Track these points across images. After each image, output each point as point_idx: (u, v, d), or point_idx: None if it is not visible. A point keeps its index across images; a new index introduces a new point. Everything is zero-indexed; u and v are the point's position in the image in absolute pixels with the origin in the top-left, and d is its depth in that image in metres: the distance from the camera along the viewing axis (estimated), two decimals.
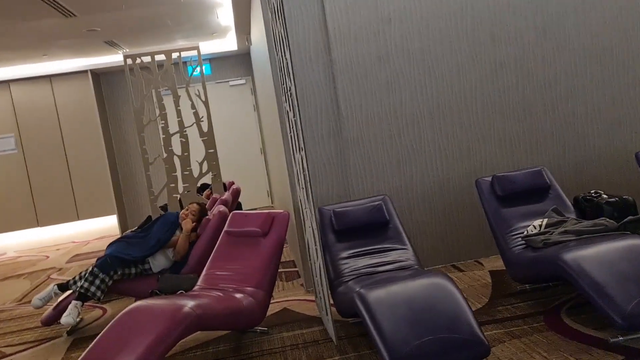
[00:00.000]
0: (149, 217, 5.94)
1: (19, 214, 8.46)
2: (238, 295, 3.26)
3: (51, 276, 6.22)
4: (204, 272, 3.64)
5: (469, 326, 2.46)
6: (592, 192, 3.68)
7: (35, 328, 4.24)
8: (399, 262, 3.34)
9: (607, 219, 3.21)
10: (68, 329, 3.99)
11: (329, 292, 3.14)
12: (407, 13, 4.22)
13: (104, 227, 8.96)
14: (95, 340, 2.81)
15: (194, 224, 4.27)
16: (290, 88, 2.97)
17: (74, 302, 3.84)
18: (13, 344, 4.02)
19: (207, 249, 4.11)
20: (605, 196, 3.56)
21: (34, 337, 4.09)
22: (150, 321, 2.84)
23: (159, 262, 4.17)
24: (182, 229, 4.28)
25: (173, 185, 5.69)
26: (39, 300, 3.96)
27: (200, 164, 5.80)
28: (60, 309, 3.98)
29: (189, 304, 2.91)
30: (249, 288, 3.37)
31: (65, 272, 6.30)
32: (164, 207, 5.89)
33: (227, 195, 5.36)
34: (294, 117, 3.02)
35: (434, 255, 4.27)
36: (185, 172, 5.71)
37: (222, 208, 4.34)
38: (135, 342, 2.74)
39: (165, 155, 5.74)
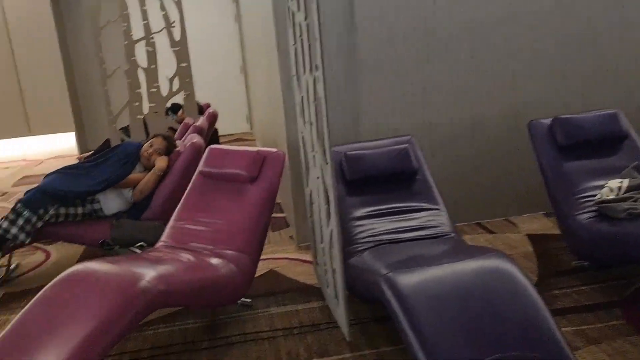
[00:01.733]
0: (107, 141, 4.98)
1: None
2: (214, 261, 2.45)
3: None
4: (170, 224, 2.80)
5: (553, 341, 1.71)
6: None
7: None
8: (429, 227, 2.54)
9: None
10: None
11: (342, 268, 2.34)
12: None
13: (61, 146, 7.92)
14: (15, 319, 2.01)
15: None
16: None
17: None
18: None
19: (175, 191, 3.24)
20: None
21: None
22: (91, 298, 2.03)
23: (111, 203, 3.28)
24: (142, 165, 3.38)
25: (137, 104, 4.71)
26: None
27: (171, 80, 4.80)
28: None
29: (147, 274, 2.09)
30: (229, 251, 2.54)
31: (10, 198, 5.37)
32: (126, 130, 4.93)
33: (202, 120, 4.41)
34: (306, 19, 2.07)
35: (457, 211, 3.48)
36: (152, 90, 4.72)
37: (197, 139, 3.43)
38: (71, 329, 1.94)
39: (127, 66, 4.71)
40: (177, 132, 4.61)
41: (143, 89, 4.78)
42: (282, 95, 3.21)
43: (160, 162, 3.33)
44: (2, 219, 3.09)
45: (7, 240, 3.01)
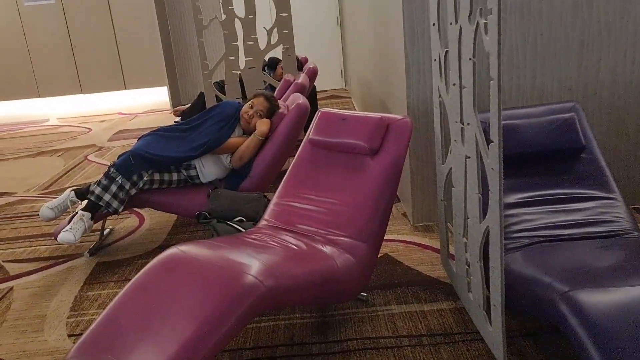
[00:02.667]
0: (201, 95, 4.68)
1: (61, 78, 7.41)
2: (328, 250, 2.04)
3: (89, 157, 5.23)
4: (274, 201, 2.42)
5: None
6: None
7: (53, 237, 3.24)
8: (601, 221, 1.98)
9: None
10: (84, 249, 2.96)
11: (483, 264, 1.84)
12: None
13: (153, 100, 7.85)
14: (106, 311, 1.73)
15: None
16: None
17: (80, 212, 2.75)
18: (21, 258, 3.05)
19: (277, 159, 2.87)
20: None
21: (48, 252, 3.10)
22: (192, 291, 1.71)
23: (208, 169, 2.97)
24: (242, 128, 3.02)
25: (232, 58, 4.35)
26: (50, 209, 2.90)
27: (269, 32, 4.39)
28: None
29: (254, 266, 1.74)
30: (344, 238, 2.13)
31: (105, 154, 5.29)
32: (220, 85, 4.61)
33: (302, 77, 3.97)
34: None
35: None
36: (249, 42, 4.34)
37: (302, 100, 3.00)
38: (171, 327, 1.64)
39: (224, 16, 4.33)
40: (276, 90, 4.22)
41: (240, 42, 4.41)
42: (404, 50, 2.69)
43: (262, 126, 2.94)
44: (95, 183, 2.87)
45: (99, 207, 2.78)
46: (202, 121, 3.05)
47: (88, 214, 2.74)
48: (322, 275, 1.93)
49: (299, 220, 2.27)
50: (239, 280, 1.67)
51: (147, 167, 2.79)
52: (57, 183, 4.45)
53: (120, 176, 2.74)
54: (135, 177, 2.77)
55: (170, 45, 7.52)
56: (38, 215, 3.52)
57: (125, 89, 7.49)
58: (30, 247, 3.21)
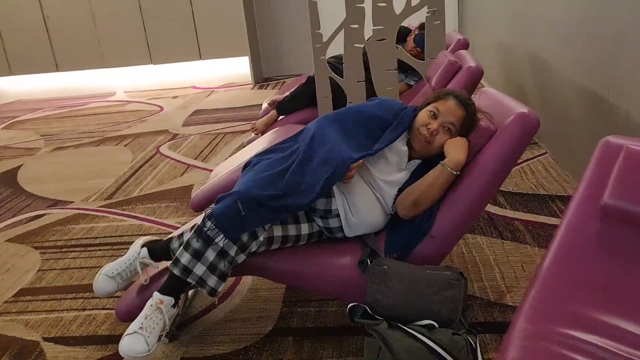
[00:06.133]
0: (310, 81, 3.50)
1: (129, 46, 6.42)
2: None
3: (160, 148, 4.21)
4: (519, 332, 1.20)
5: None
6: None
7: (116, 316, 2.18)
8: None
9: None
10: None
11: None
12: None
13: (231, 72, 6.75)
14: None
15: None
16: None
17: (156, 297, 1.66)
18: (69, 333, 2.03)
19: (478, 207, 1.66)
20: None
21: (108, 327, 2.06)
22: None
23: (359, 217, 1.79)
24: (414, 149, 1.81)
25: (356, 26, 3.12)
26: (110, 278, 1.82)
27: None
28: (151, 294, 1.82)
29: None
30: None
31: (181, 145, 4.25)
32: (336, 63, 3.39)
33: (472, 59, 2.67)
34: None
35: None
36: (381, 4, 3.08)
37: (526, 110, 1.72)
38: None
39: None
40: (423, 76, 2.95)
41: (366, 4, 3.16)
42: None
43: (456, 151, 1.72)
44: (177, 239, 1.77)
45: (186, 285, 1.67)
46: (342, 133, 1.84)
47: (169, 300, 1.64)
48: None
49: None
50: None
51: (265, 220, 1.65)
52: (122, 190, 3.44)
53: (222, 237, 1.60)
54: (245, 238, 1.64)
55: (252, 6, 6.36)
56: (95, 252, 2.50)
57: (200, 59, 6.41)
58: (84, 310, 2.19)
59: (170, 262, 1.68)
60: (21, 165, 4.13)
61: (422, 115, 1.81)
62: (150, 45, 6.32)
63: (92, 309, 2.18)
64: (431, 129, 1.77)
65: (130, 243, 2.69)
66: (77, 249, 2.72)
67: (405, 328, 1.54)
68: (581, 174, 1.32)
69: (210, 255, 1.62)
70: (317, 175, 1.72)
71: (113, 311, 2.13)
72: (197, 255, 1.62)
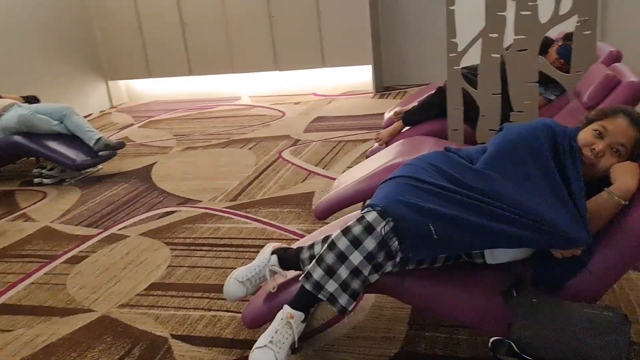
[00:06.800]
0: (440, 92, 3.34)
1: (257, 53, 6.64)
2: None
3: (283, 153, 4.28)
4: None
5: None
6: None
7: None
8: None
9: None
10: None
11: None
12: None
13: (352, 81, 6.74)
14: None
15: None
16: None
17: (287, 311, 1.61)
18: (195, 333, 2.07)
19: None
20: None
21: (232, 330, 2.07)
22: None
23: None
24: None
25: (495, 35, 2.93)
26: (240, 283, 1.83)
27: None
28: (278, 304, 1.79)
29: None
30: None
31: (303, 151, 4.29)
32: (468, 74, 3.21)
33: (631, 72, 2.38)
34: None
35: None
36: (524, 13, 2.87)
37: None
38: None
39: None
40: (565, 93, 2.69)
41: (508, 12, 2.96)
42: None
43: (626, 179, 1.50)
44: (307, 250, 1.73)
45: (317, 301, 1.61)
46: (498, 162, 1.65)
47: (299, 315, 1.60)
48: None
49: None
50: None
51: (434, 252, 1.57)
52: (246, 192, 3.52)
53: (357, 253, 1.53)
54: (382, 257, 1.55)
55: (377, 15, 6.31)
56: (220, 252, 2.55)
57: (324, 66, 6.47)
58: (210, 310, 2.23)
59: (302, 274, 1.64)
60: (155, 163, 4.39)
61: (586, 134, 1.62)
62: (277, 52, 6.49)
63: (218, 310, 2.22)
64: (596, 150, 1.57)
65: (254, 246, 2.75)
66: (204, 247, 2.81)
67: None
68: None
69: (344, 273, 1.55)
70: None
71: (237, 314, 2.15)
72: (330, 272, 1.56)
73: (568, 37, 3.14)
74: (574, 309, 1.48)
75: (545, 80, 3.14)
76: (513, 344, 1.44)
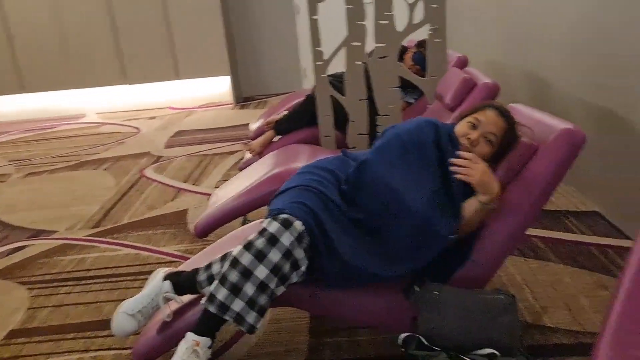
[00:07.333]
0: (309, 100, 3.38)
1: (102, 65, 6.18)
2: None
3: (145, 171, 4.00)
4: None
5: None
6: None
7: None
8: None
9: None
10: None
11: None
12: None
13: (209, 92, 6.58)
14: None
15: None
16: None
17: (191, 339, 1.49)
18: None
19: (523, 229, 1.61)
20: None
21: None
22: None
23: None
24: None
25: (358, 43, 3.04)
26: (129, 316, 1.63)
27: (412, 7, 3.06)
28: (175, 332, 1.64)
29: None
30: None
31: (167, 167, 4.05)
32: (335, 82, 3.29)
33: (483, 76, 2.62)
34: None
35: None
36: (383, 21, 3.02)
37: (571, 126, 1.66)
38: None
39: None
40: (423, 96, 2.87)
41: (368, 21, 3.09)
42: None
43: (488, 188, 1.59)
44: (204, 270, 1.61)
45: (223, 323, 1.50)
46: (399, 157, 1.68)
47: (205, 341, 1.47)
48: None
49: None
50: None
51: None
52: (110, 217, 3.22)
53: (261, 268, 1.45)
54: (287, 268, 1.49)
55: (230, 24, 6.24)
56: (90, 285, 2.28)
57: (179, 78, 6.23)
58: (88, 352, 1.96)
59: (197, 297, 1.52)
60: None
61: (462, 126, 1.73)
62: (126, 64, 6.09)
63: (98, 350, 1.98)
64: (471, 139, 1.68)
65: (130, 274, 2.52)
66: (69, 283, 2.50)
67: (467, 359, 1.42)
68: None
69: (250, 289, 1.46)
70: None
71: (123, 351, 1.93)
72: (235, 290, 1.46)
73: (421, 44, 3.37)
74: (470, 296, 1.56)
75: (404, 85, 3.33)
76: (422, 338, 1.48)
